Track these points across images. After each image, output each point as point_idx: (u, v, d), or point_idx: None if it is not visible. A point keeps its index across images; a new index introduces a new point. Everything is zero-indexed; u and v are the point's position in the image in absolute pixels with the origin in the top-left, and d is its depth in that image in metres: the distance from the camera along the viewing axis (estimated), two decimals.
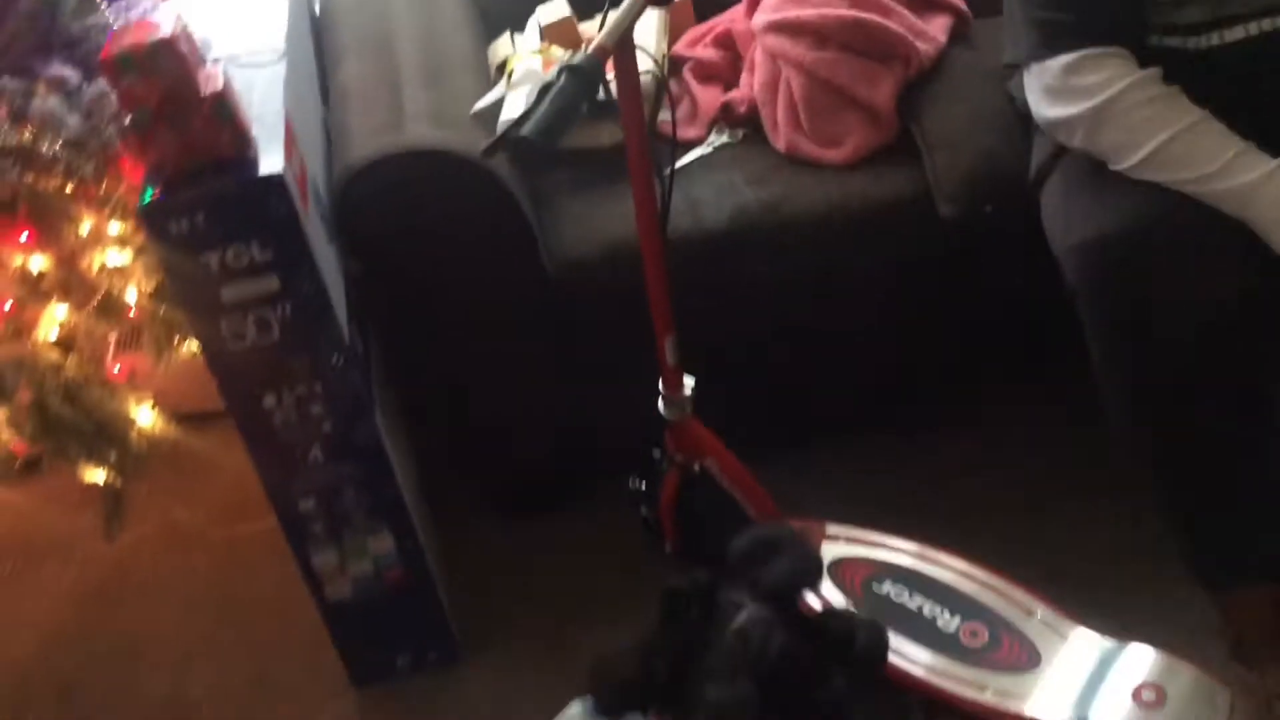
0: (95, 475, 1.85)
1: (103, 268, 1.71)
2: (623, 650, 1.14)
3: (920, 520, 1.50)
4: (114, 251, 1.71)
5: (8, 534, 2.03)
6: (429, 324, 1.61)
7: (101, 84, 1.66)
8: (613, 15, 1.12)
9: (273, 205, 1.24)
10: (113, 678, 1.73)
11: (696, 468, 1.56)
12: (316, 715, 1.62)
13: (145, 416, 1.86)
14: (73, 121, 1.63)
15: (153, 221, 1.23)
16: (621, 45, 1.13)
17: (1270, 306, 1.19)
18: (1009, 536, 1.54)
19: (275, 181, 1.24)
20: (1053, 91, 1.31)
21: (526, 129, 1.01)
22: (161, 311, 1.81)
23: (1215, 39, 1.29)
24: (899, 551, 1.50)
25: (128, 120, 1.22)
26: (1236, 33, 1.28)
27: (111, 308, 1.76)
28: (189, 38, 1.24)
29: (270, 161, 1.25)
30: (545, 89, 1.07)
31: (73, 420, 1.77)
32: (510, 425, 1.71)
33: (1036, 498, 1.68)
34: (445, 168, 1.51)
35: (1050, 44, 1.29)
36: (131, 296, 1.77)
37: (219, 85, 1.22)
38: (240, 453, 2.08)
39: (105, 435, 1.79)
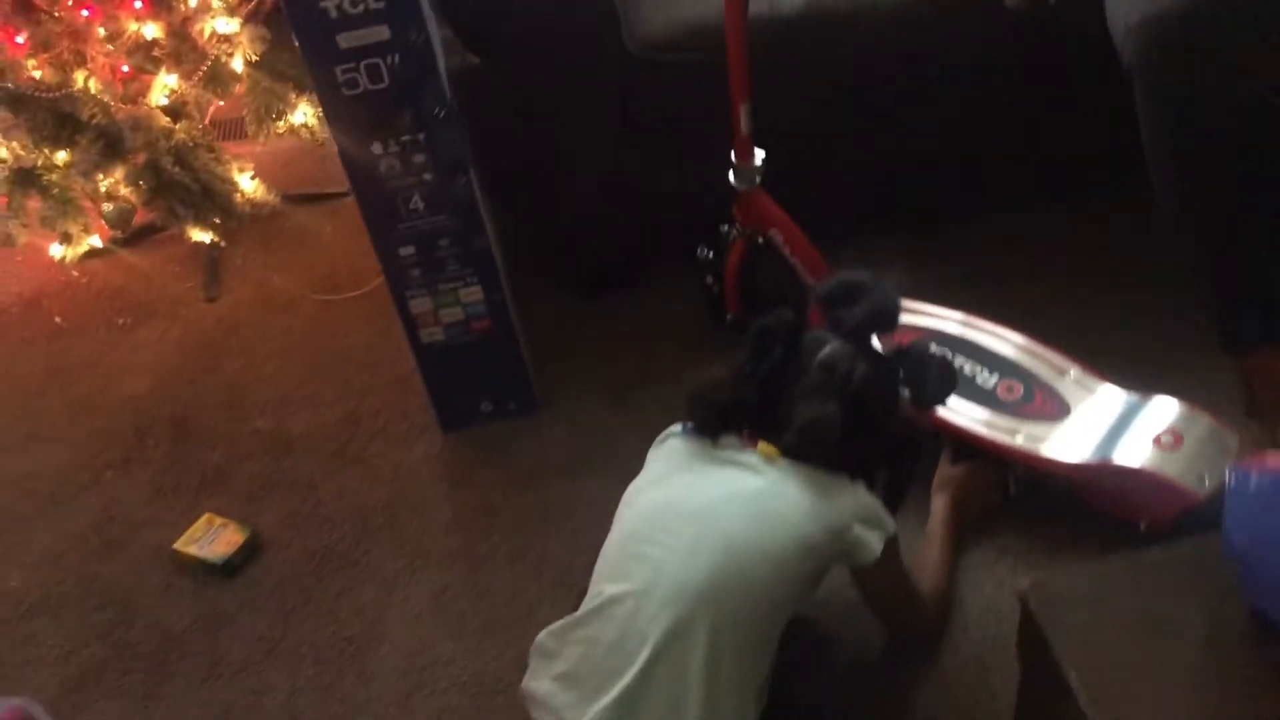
0: (201, 236, 2.01)
1: (213, 34, 1.83)
2: (718, 377, 1.26)
3: (972, 298, 1.62)
4: (223, 19, 1.82)
5: (122, 291, 2.20)
6: (521, 90, 1.71)
7: None
8: None
9: None
10: (220, 414, 1.91)
11: (761, 238, 1.69)
12: (406, 451, 1.78)
13: (247, 183, 2.01)
14: None
15: None
16: None
17: None
18: (1053, 314, 1.66)
19: None
20: None
21: None
22: (264, 83, 1.94)
23: None
24: (945, 320, 1.63)
25: None
26: None
27: (219, 76, 1.88)
28: None
29: None
30: None
31: (181, 181, 1.92)
32: (590, 199, 1.83)
33: (1082, 282, 1.79)
34: None
35: None
36: (238, 65, 1.90)
37: None
38: (333, 229, 2.25)
39: (211, 197, 1.95)
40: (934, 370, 1.28)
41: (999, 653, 1.35)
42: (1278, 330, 1.43)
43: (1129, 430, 1.44)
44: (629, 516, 1.23)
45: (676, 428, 1.28)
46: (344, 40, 1.39)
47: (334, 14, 1.37)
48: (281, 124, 2.02)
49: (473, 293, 1.64)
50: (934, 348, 1.49)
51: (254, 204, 2.03)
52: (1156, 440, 1.41)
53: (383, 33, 1.39)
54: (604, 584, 1.18)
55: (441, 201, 1.55)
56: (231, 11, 1.84)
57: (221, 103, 2.03)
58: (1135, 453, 1.41)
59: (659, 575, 1.14)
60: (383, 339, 1.98)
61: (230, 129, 2.23)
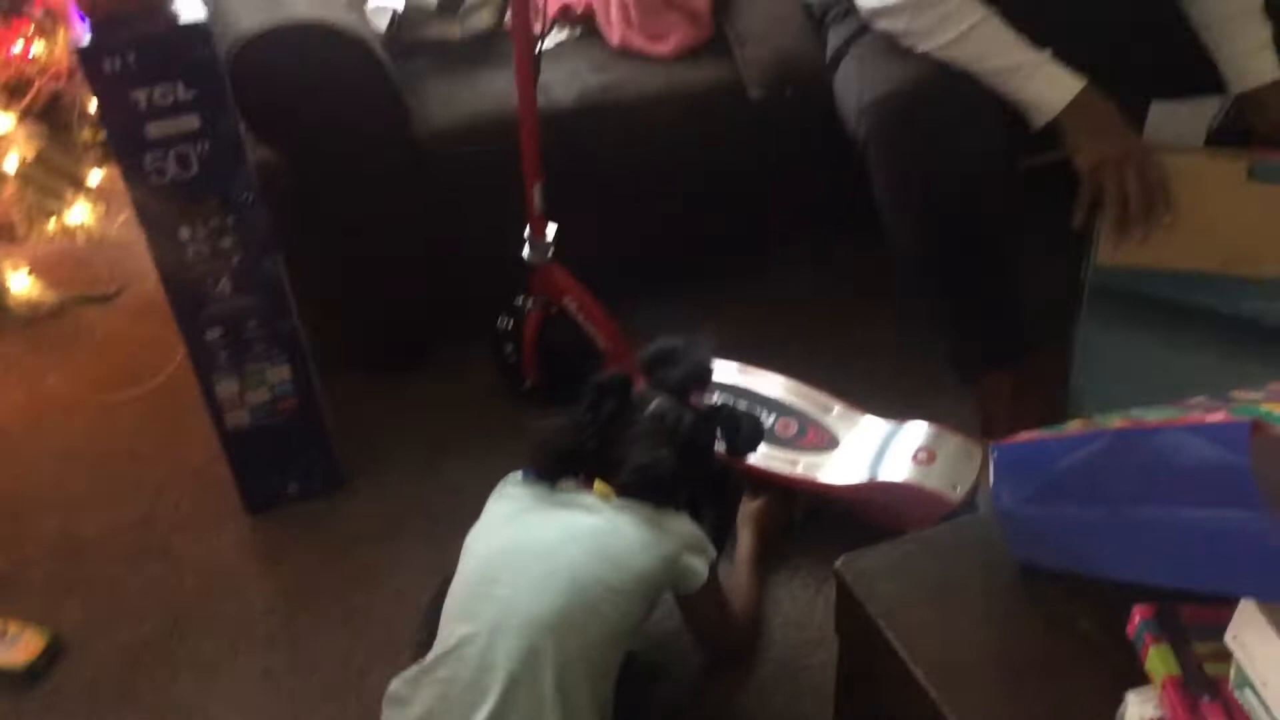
0: None
1: None
2: (557, 427, 1.38)
3: (743, 347, 1.81)
4: None
5: None
6: (310, 185, 1.79)
7: None
8: None
9: (197, 49, 1.41)
10: (5, 528, 1.82)
11: (556, 308, 1.83)
12: (212, 539, 1.77)
13: (21, 283, 1.96)
14: None
15: (89, 60, 1.38)
16: None
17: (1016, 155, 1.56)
18: (815, 357, 1.88)
19: (200, 29, 1.41)
20: None
21: None
22: (39, 182, 1.92)
23: None
24: (723, 369, 1.81)
25: None
26: None
27: None
28: None
29: (194, 10, 1.42)
30: None
31: None
32: (387, 279, 1.91)
33: (836, 326, 2.04)
34: (326, 39, 1.70)
35: None
36: (10, 165, 1.87)
37: None
38: (105, 329, 2.21)
39: None
40: (745, 425, 1.46)
41: (804, 657, 1.52)
42: (997, 356, 1.70)
43: (890, 452, 1.66)
44: (473, 560, 1.31)
45: (515, 475, 1.38)
46: (154, 129, 1.44)
47: (144, 104, 1.42)
48: (54, 224, 1.99)
49: (280, 372, 1.68)
50: (742, 404, 1.69)
51: (30, 305, 1.98)
52: (914, 458, 1.64)
53: (193, 122, 1.45)
54: (454, 625, 1.25)
55: (249, 283, 1.59)
56: (4, 107, 1.82)
57: None
58: (897, 470, 1.63)
59: (509, 611, 1.22)
60: (172, 432, 1.96)
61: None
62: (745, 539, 1.62)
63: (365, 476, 1.85)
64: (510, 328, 1.88)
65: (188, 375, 2.01)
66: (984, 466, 1.63)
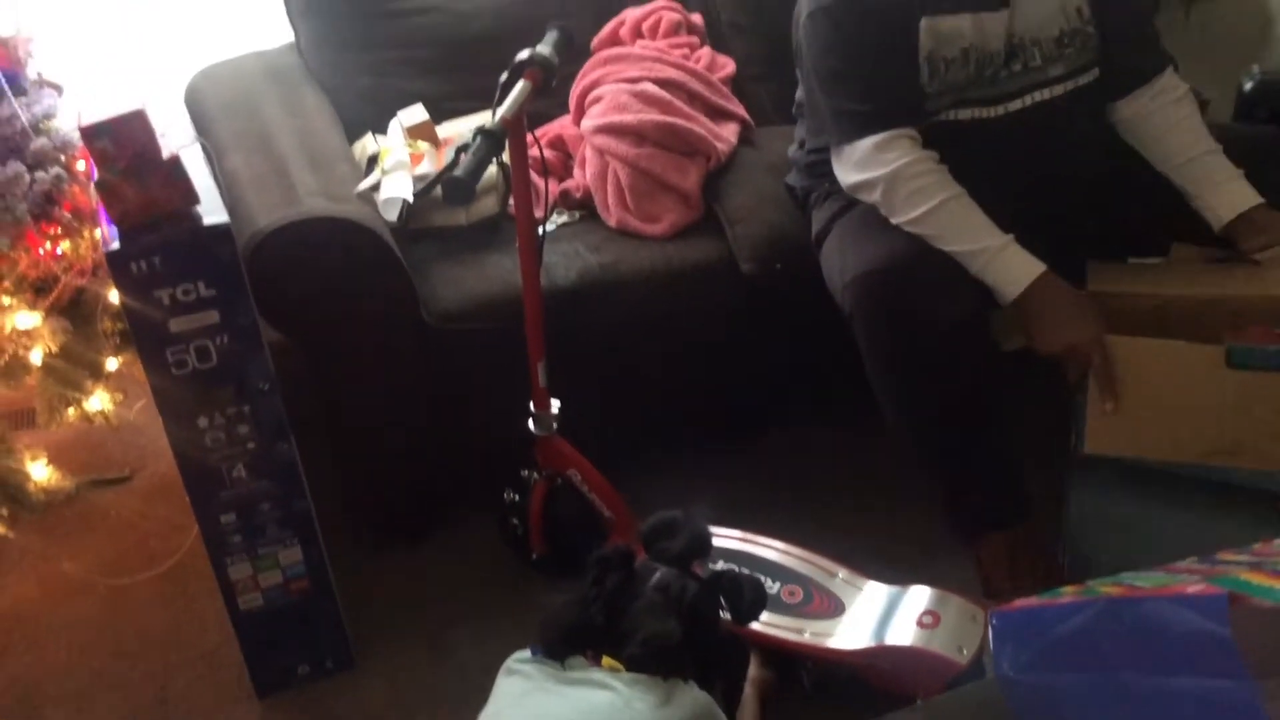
0: None
1: (13, 330, 1.88)
2: (563, 604, 1.40)
3: (746, 514, 1.85)
4: (24, 314, 1.89)
5: None
6: (321, 366, 1.86)
7: (13, 166, 1.87)
8: (509, 97, 1.47)
9: (218, 250, 1.50)
10: (9, 716, 1.82)
11: (560, 479, 1.87)
12: None
13: (40, 471, 2.01)
14: None
15: (117, 264, 1.46)
16: (516, 120, 1.47)
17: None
18: (819, 524, 1.90)
19: (221, 230, 1.50)
20: (860, 163, 1.71)
21: (458, 172, 1.33)
22: (60, 373, 1.99)
23: (998, 110, 1.73)
24: (727, 538, 1.84)
25: (98, 177, 1.46)
26: (964, 113, 1.73)
27: (15, 369, 1.92)
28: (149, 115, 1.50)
29: (215, 211, 1.51)
30: (462, 149, 1.40)
31: None
32: (397, 455, 1.96)
33: (839, 495, 2.07)
34: (341, 232, 1.80)
35: (859, 130, 1.70)
36: (36, 357, 1.94)
37: (175, 151, 1.48)
38: (117, 513, 2.25)
39: (2, 489, 1.93)
40: (748, 590, 1.48)
41: None
42: (994, 518, 1.73)
43: (895, 616, 1.68)
44: None
45: (524, 653, 1.39)
46: (176, 325, 1.51)
47: (167, 302, 1.49)
48: (73, 412, 2.05)
49: (292, 554, 1.72)
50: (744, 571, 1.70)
51: (48, 491, 2.02)
52: (919, 621, 1.65)
53: (213, 317, 1.53)
54: None
55: (264, 468, 1.64)
56: (32, 305, 1.91)
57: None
58: (903, 634, 1.64)
59: None
60: (184, 616, 1.98)
61: (19, 418, 2.21)
62: (751, 709, 1.62)
63: (374, 656, 1.86)
64: (516, 500, 1.92)
65: (200, 557, 2.04)
66: (987, 628, 1.65)
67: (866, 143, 1.70)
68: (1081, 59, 1.75)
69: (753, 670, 1.67)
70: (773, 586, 1.75)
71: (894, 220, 1.68)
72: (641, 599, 1.39)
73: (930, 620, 1.65)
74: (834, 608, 1.73)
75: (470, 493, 2.04)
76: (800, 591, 1.75)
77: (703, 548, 1.50)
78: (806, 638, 1.68)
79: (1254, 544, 1.06)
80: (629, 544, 1.45)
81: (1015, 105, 1.74)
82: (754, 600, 1.49)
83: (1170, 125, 1.77)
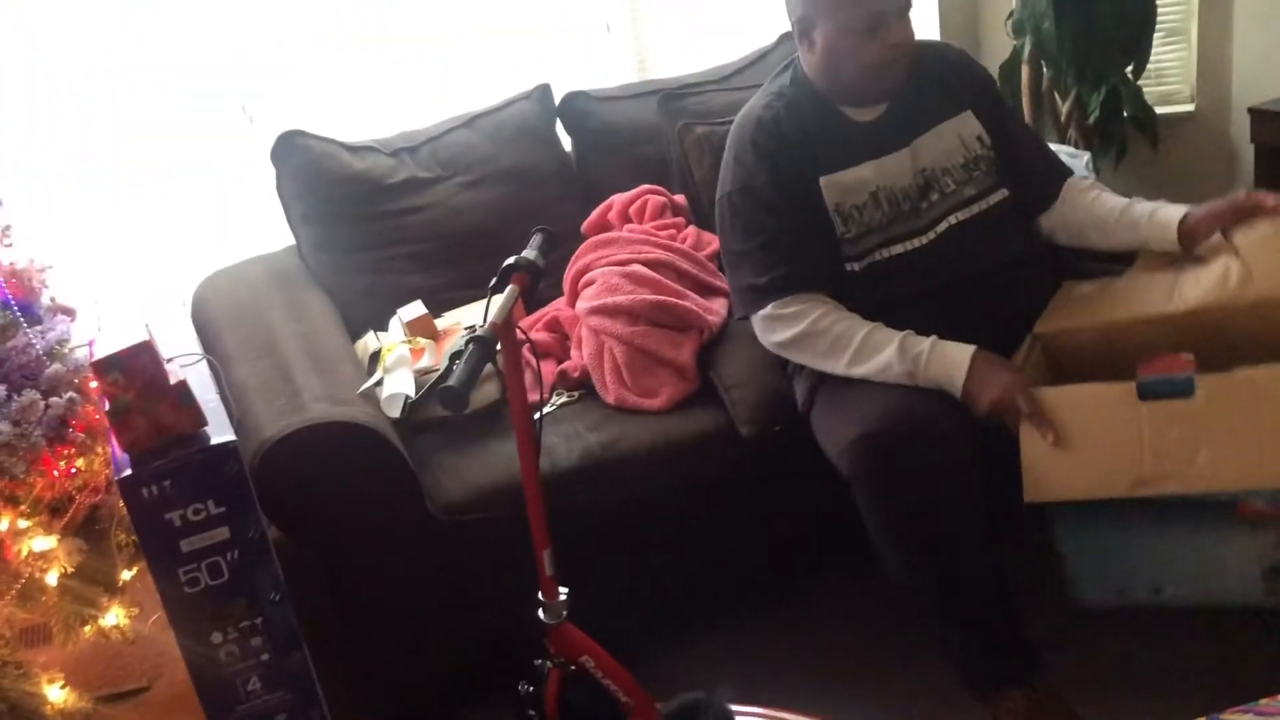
0: None
1: (29, 554, 1.91)
2: None
3: (768, 681, 1.84)
4: (40, 538, 1.92)
5: None
6: (334, 564, 1.88)
7: (28, 394, 1.94)
8: (496, 301, 1.53)
9: (226, 467, 1.55)
10: None
11: (574, 666, 1.86)
12: None
13: (56, 694, 2.01)
14: (4, 428, 1.88)
15: (129, 490, 1.51)
16: (506, 323, 1.53)
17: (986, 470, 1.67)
18: (840, 684, 1.89)
19: (229, 449, 1.55)
20: (767, 331, 1.85)
21: (452, 381, 1.38)
22: (76, 592, 2.01)
23: (925, 239, 1.84)
24: (750, 716, 1.82)
25: (108, 408, 1.51)
26: (896, 249, 1.83)
27: (31, 592, 1.94)
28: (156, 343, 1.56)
29: (221, 429, 1.56)
30: (456, 355, 1.45)
31: None
32: (404, 651, 1.96)
33: (857, 652, 2.05)
34: (346, 435, 1.84)
35: (757, 302, 1.84)
36: (52, 578, 1.97)
37: (181, 377, 1.54)
38: None
39: (18, 716, 1.93)
40: None
41: None
42: (1007, 674, 1.72)
43: None
44: None
45: None
46: (186, 545, 1.55)
47: (178, 523, 1.53)
48: (89, 629, 2.06)
49: None
50: None
51: (65, 714, 2.02)
52: None
53: (223, 534, 1.56)
54: None
55: (278, 679, 1.65)
56: (48, 526, 1.94)
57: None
58: None
59: None
60: None
61: (34, 635, 2.22)
62: None
63: None
64: (531, 691, 1.90)
65: None
66: None
67: (766, 312, 1.83)
68: (989, 180, 1.89)
69: None
70: None
71: (836, 372, 1.78)
72: None
73: None
74: None
75: (485, 686, 2.02)
76: None
77: None
78: None
79: (1262, 699, 1.06)
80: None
81: (941, 228, 1.85)
82: None
83: (1090, 211, 1.92)
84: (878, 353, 1.73)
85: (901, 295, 1.80)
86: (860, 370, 1.75)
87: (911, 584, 1.71)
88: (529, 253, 1.60)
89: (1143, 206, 1.87)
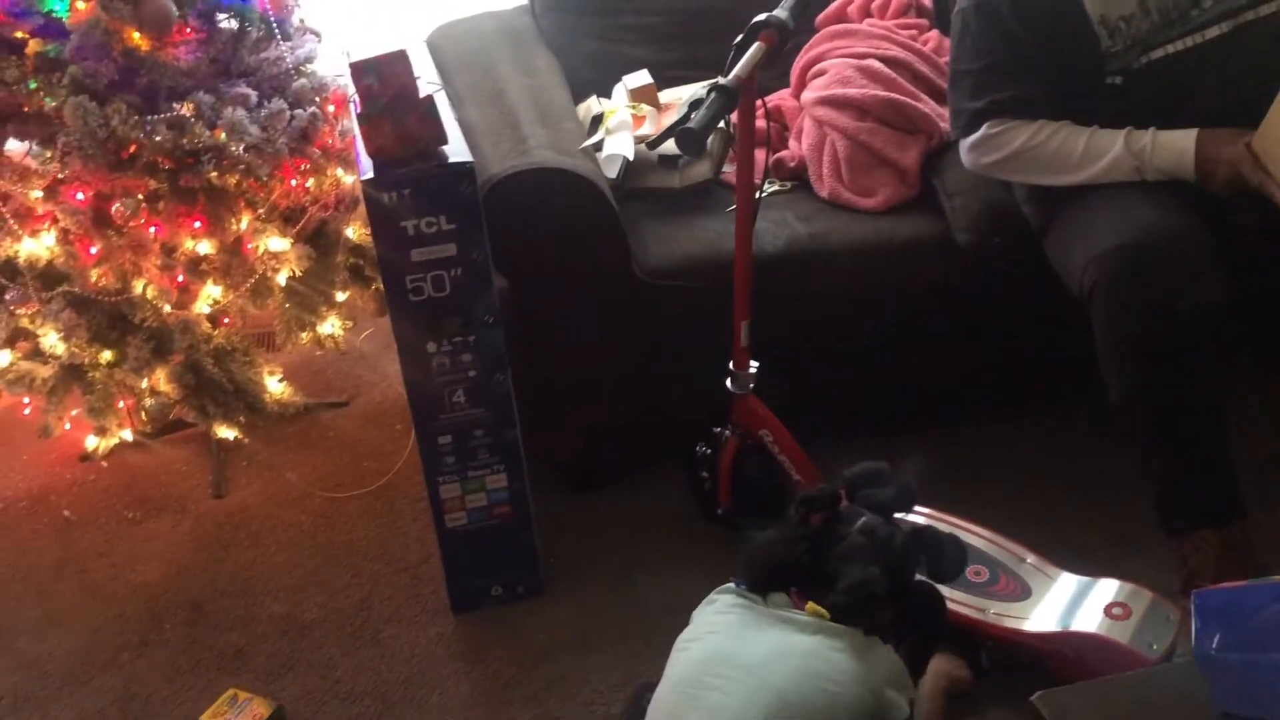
0: (227, 433, 2.16)
1: (265, 252, 2.06)
2: (768, 540, 1.42)
3: (938, 494, 1.85)
4: (276, 239, 2.06)
5: (130, 488, 2.31)
6: (538, 311, 1.96)
7: (277, 103, 2.04)
8: (744, 57, 1.52)
9: (461, 187, 1.61)
10: (234, 600, 2.00)
11: (753, 439, 1.92)
12: (420, 632, 1.90)
13: (275, 386, 2.19)
14: (254, 131, 1.99)
15: (370, 193, 1.59)
16: (749, 79, 1.52)
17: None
18: (1009, 508, 1.89)
19: (466, 169, 1.61)
20: (981, 149, 1.82)
21: (692, 123, 1.40)
22: (300, 297, 2.16)
23: (1198, 39, 1.72)
24: (916, 513, 1.85)
25: (360, 110, 1.58)
26: (1157, 54, 1.72)
27: (260, 289, 2.10)
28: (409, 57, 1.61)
29: (460, 151, 1.62)
30: (696, 103, 1.46)
31: (218, 381, 2.09)
32: (598, 400, 2.05)
33: (1031, 481, 2.06)
34: (566, 182, 1.89)
35: (973, 124, 1.81)
36: (282, 279, 2.11)
37: (430, 93, 1.60)
38: (335, 433, 2.42)
39: (241, 397, 2.12)
40: (949, 549, 1.47)
41: None
42: (1208, 515, 1.68)
43: (1083, 605, 1.66)
44: (682, 662, 1.37)
45: (728, 585, 1.43)
46: (417, 254, 1.63)
47: (411, 232, 1.61)
48: (307, 335, 2.22)
49: (498, 480, 1.82)
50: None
51: (280, 404, 2.20)
52: (1108, 612, 1.63)
53: (450, 249, 1.64)
54: None
55: (481, 397, 1.75)
56: (281, 232, 2.07)
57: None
58: (1090, 621, 1.62)
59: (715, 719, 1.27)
60: (390, 532, 2.13)
61: (260, 340, 2.41)
62: (938, 703, 1.60)
63: (562, 586, 1.95)
64: (708, 455, 1.98)
65: (407, 479, 2.20)
66: (1182, 627, 1.61)
67: (978, 135, 1.80)
68: None
69: (950, 666, 1.66)
70: None
71: (1062, 182, 1.75)
72: (846, 543, 1.39)
73: (1121, 612, 1.63)
74: (1020, 591, 1.72)
75: (664, 443, 2.11)
76: (986, 572, 1.75)
77: (909, 500, 1.49)
78: (990, 616, 1.68)
79: None
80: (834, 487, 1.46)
81: (1212, 33, 1.72)
82: (955, 558, 1.47)
83: None
84: (1104, 154, 1.70)
85: (1164, 107, 1.70)
86: (1087, 174, 1.71)
87: (1134, 406, 1.66)
88: (780, 12, 1.58)
89: None
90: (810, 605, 1.36)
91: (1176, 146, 1.66)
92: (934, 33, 2.31)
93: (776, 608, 1.37)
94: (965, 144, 1.85)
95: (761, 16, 1.57)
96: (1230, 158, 1.61)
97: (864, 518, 1.43)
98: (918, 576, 1.47)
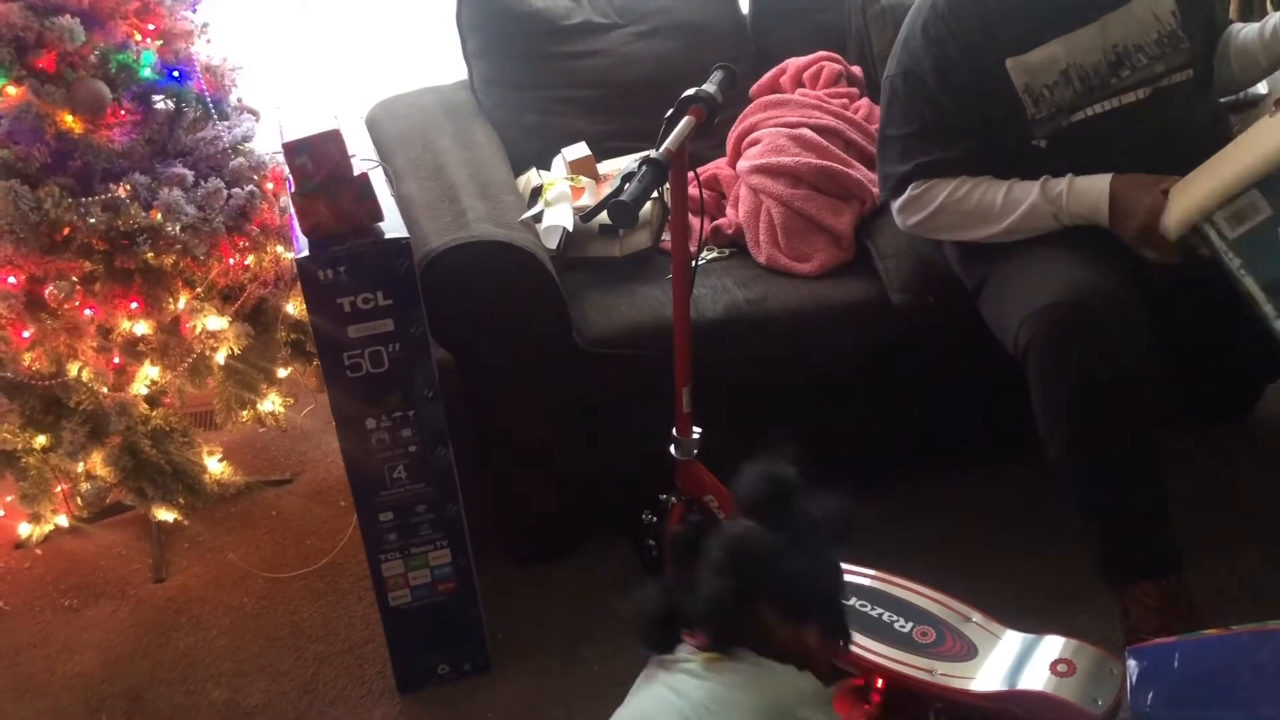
0: (166, 515, 2.13)
1: (203, 331, 2.04)
2: (642, 595, 1.35)
3: (884, 555, 1.86)
4: (214, 318, 2.04)
5: (67, 574, 2.26)
6: (483, 381, 1.95)
7: (214, 182, 2.04)
8: (674, 131, 1.54)
9: (398, 262, 1.61)
10: (175, 688, 1.95)
11: (698, 505, 1.92)
12: (365, 716, 1.86)
13: (215, 466, 2.16)
14: (190, 211, 1.99)
15: (306, 270, 1.59)
16: (680, 152, 1.55)
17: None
18: (952, 567, 1.90)
19: (402, 244, 1.62)
20: (908, 208, 1.86)
21: (624, 196, 1.41)
22: (239, 375, 2.14)
23: (1115, 103, 1.78)
24: (860, 575, 1.85)
25: (294, 190, 1.59)
26: (1078, 116, 1.77)
27: (199, 369, 2.08)
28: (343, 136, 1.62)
29: (395, 230, 1.63)
30: (628, 176, 1.48)
31: (156, 462, 2.06)
32: (539, 471, 2.05)
33: (973, 538, 2.08)
34: (505, 254, 1.90)
35: (900, 186, 1.85)
36: (221, 358, 2.10)
37: (365, 170, 1.61)
38: (278, 512, 2.39)
39: (181, 479, 2.09)
40: (830, 503, 1.40)
41: None
42: (1148, 568, 1.70)
43: (1029, 662, 1.66)
44: None
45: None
46: (354, 330, 1.63)
47: (348, 308, 1.61)
48: (247, 413, 2.20)
49: (441, 556, 1.81)
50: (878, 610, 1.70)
51: (221, 484, 2.17)
52: (1053, 669, 1.63)
53: (388, 325, 1.64)
54: None
55: (422, 471, 1.74)
56: (220, 310, 2.06)
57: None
58: (1036, 679, 1.62)
59: None
60: (334, 611, 2.09)
61: (199, 419, 2.38)
62: None
63: (510, 662, 1.93)
64: (654, 522, 1.97)
65: (351, 558, 2.18)
66: (1125, 681, 1.62)
67: (905, 197, 1.85)
68: (1178, 59, 1.80)
69: None
70: (905, 626, 1.75)
71: (985, 235, 1.80)
72: (706, 560, 1.30)
73: (1065, 669, 1.63)
74: (966, 650, 1.72)
75: (608, 513, 2.10)
76: (933, 633, 1.75)
77: (779, 488, 1.37)
78: (937, 677, 1.68)
79: None
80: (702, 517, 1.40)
81: (1129, 98, 1.78)
82: (844, 523, 1.39)
83: (1238, 41, 1.87)
84: (1021, 202, 1.75)
85: (1087, 167, 1.74)
86: (1008, 223, 1.77)
87: (1071, 460, 1.69)
88: (709, 87, 1.61)
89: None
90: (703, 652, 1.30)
91: (1093, 190, 1.72)
92: (864, 100, 2.37)
93: (678, 658, 1.31)
94: (894, 206, 1.90)
95: (691, 91, 1.60)
96: (1148, 206, 1.65)
97: (723, 530, 1.35)
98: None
